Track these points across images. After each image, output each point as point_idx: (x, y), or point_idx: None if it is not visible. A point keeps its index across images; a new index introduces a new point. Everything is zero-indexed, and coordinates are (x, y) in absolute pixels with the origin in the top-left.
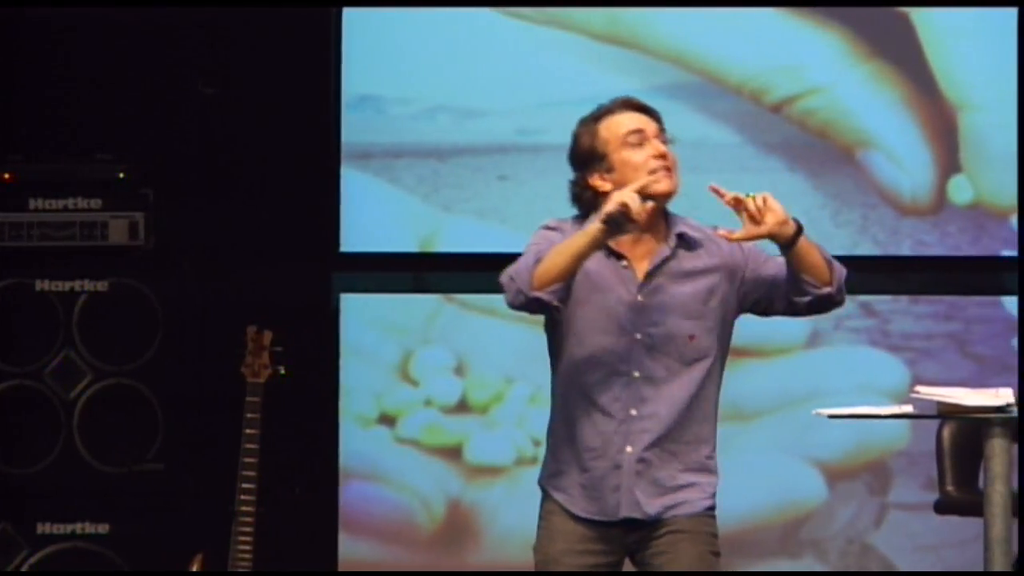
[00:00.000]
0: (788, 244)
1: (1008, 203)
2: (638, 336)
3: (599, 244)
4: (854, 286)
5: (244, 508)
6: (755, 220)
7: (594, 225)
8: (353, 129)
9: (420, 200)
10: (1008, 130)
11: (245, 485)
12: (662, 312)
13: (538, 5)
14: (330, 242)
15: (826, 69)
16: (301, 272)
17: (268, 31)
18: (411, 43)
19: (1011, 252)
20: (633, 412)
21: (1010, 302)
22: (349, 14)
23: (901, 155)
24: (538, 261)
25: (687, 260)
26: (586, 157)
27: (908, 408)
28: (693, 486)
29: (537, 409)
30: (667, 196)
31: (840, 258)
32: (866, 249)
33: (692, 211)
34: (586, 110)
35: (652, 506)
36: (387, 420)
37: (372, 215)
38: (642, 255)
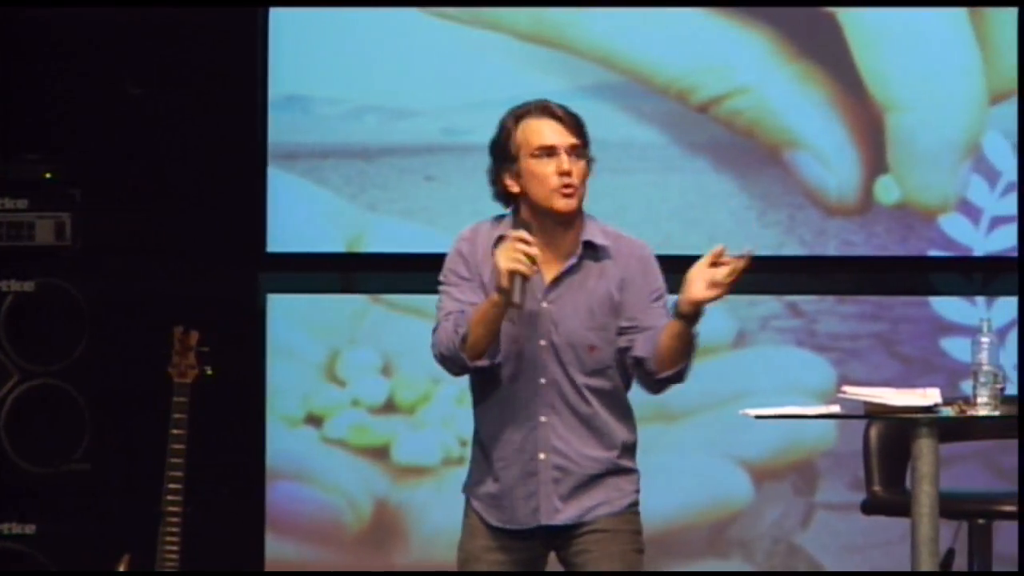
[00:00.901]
0: (688, 317)
1: (935, 203)
2: (542, 342)
3: (507, 306)
4: (781, 286)
5: (171, 508)
6: (715, 285)
7: (495, 297)
8: (280, 129)
9: (347, 200)
10: (934, 130)
11: (172, 485)
12: (564, 320)
13: (464, 5)
14: (257, 242)
15: (753, 69)
16: (228, 272)
17: (195, 31)
18: (338, 43)
19: (938, 252)
20: (543, 419)
21: (937, 302)
22: (276, 14)
23: (828, 155)
24: (463, 337)
25: (592, 269)
26: (501, 153)
27: (835, 408)
28: (611, 487)
29: (464, 410)
30: (565, 214)
31: (767, 258)
32: (793, 249)
33: (617, 212)
34: None
35: (569, 512)
36: (314, 420)
37: (299, 215)
38: (551, 260)
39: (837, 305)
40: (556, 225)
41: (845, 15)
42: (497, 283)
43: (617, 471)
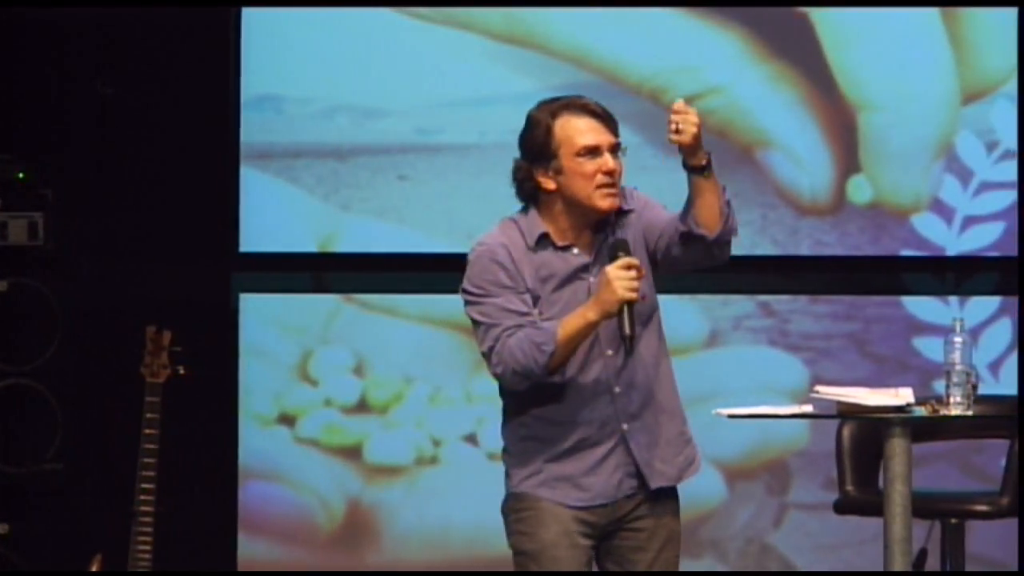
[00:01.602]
0: (696, 170)
1: (908, 203)
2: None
3: (593, 327)
4: (753, 286)
5: (143, 508)
6: (677, 131)
7: (593, 316)
8: (252, 129)
9: (320, 200)
10: (907, 130)
11: (144, 485)
12: None
13: (437, 5)
14: (230, 242)
15: (725, 69)
16: (201, 272)
17: (167, 31)
18: (310, 43)
19: (911, 252)
20: (618, 390)
21: (910, 302)
22: (248, 14)
23: (800, 155)
24: (549, 354)
25: (629, 226)
26: (537, 151)
27: (808, 408)
28: (690, 438)
29: (437, 409)
30: (609, 212)
31: (739, 258)
32: (765, 249)
33: None
34: (485, 110)
35: (670, 469)
36: (286, 420)
37: (272, 215)
38: (586, 245)
39: (810, 305)
40: (591, 221)
41: (817, 15)
42: (604, 309)
43: (685, 421)
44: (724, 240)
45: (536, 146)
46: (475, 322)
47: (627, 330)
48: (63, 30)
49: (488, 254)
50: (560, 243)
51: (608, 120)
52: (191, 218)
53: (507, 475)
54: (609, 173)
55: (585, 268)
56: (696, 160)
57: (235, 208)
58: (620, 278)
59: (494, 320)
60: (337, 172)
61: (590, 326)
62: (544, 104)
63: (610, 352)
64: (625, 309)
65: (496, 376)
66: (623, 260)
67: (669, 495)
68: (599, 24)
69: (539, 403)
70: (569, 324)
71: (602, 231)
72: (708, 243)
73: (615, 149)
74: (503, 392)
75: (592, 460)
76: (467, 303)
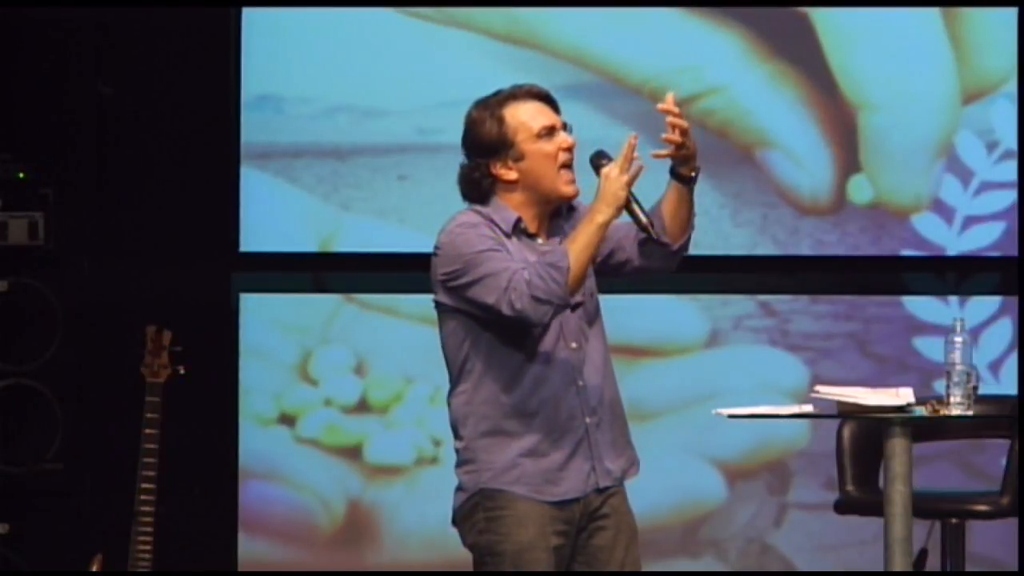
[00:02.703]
0: (685, 180)
1: (908, 203)
2: (569, 311)
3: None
4: (754, 286)
5: (144, 508)
6: (686, 136)
7: (605, 214)
8: (253, 129)
9: (320, 200)
10: (907, 130)
11: (145, 485)
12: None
13: (437, 5)
14: (230, 242)
15: (726, 69)
16: (201, 272)
17: (168, 31)
18: (311, 43)
19: (911, 252)
20: (581, 383)
21: (910, 302)
22: (248, 14)
23: (801, 155)
24: (566, 269)
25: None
26: (491, 145)
27: (808, 408)
28: (629, 442)
29: (437, 409)
30: (571, 199)
31: (739, 258)
32: (766, 249)
33: None
34: None
35: (616, 468)
36: (287, 420)
37: (272, 215)
38: (549, 234)
39: (810, 305)
40: (551, 212)
41: (818, 15)
42: (611, 204)
43: (626, 427)
44: (683, 252)
45: (489, 139)
46: (479, 280)
47: (643, 218)
48: (63, 30)
49: (472, 227)
50: (529, 231)
51: (551, 100)
52: (191, 218)
53: (467, 471)
54: (568, 149)
55: None
56: (688, 170)
57: (235, 208)
58: (616, 168)
59: (501, 267)
60: (337, 172)
61: (601, 227)
62: (482, 102)
63: (574, 345)
64: (634, 201)
65: (517, 312)
66: (615, 161)
67: (621, 491)
68: (599, 24)
69: (505, 395)
70: (578, 235)
71: (559, 226)
72: (669, 252)
73: (567, 127)
74: (456, 384)
75: (564, 454)
76: (460, 275)
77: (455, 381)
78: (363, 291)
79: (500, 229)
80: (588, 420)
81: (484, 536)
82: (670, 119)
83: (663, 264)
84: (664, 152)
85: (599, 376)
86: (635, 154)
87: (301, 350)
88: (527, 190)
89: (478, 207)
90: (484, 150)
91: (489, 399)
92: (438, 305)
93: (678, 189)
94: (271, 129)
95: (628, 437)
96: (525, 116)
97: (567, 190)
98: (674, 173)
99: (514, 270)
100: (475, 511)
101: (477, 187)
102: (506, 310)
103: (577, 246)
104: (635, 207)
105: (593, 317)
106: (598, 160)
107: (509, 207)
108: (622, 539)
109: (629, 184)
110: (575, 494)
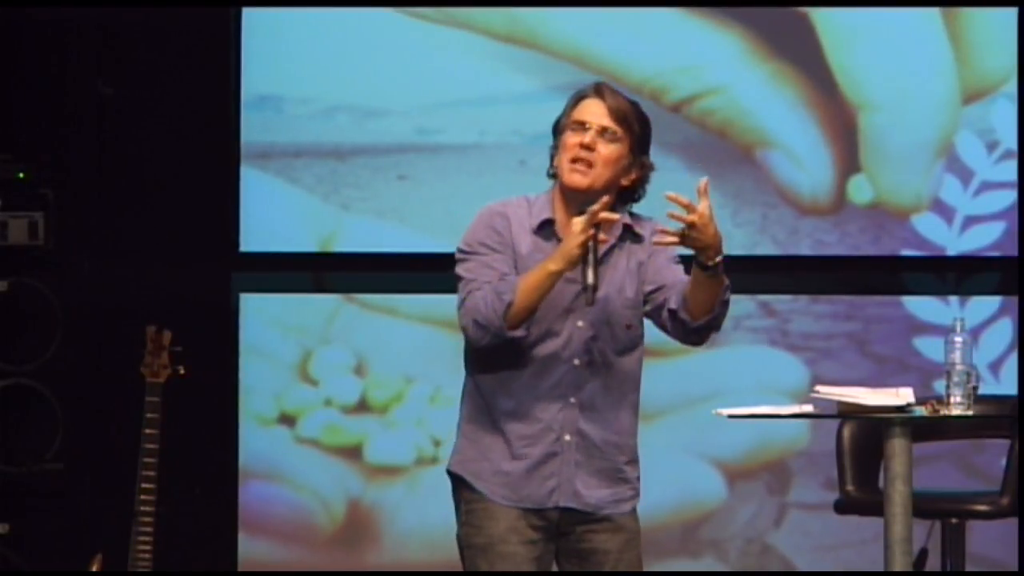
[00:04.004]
0: (705, 268)
1: (908, 203)
2: (580, 323)
3: (556, 279)
4: (754, 285)
5: (144, 508)
6: (695, 228)
7: (553, 267)
8: (253, 129)
9: (320, 200)
10: (907, 130)
11: (145, 485)
12: (603, 300)
13: (437, 5)
14: (230, 242)
15: (725, 69)
16: (201, 272)
17: (168, 31)
18: (310, 43)
19: (911, 252)
20: (572, 400)
21: (910, 302)
22: (248, 14)
23: (801, 155)
24: (507, 304)
25: (627, 251)
26: (554, 130)
27: (808, 408)
28: (624, 480)
29: (437, 409)
30: (577, 189)
31: (739, 258)
32: (765, 249)
33: None
34: (485, 109)
35: (587, 497)
36: (287, 420)
37: (272, 215)
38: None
39: (810, 304)
40: (575, 204)
41: (817, 15)
42: (564, 257)
43: (630, 463)
44: (704, 331)
45: (555, 126)
46: (458, 278)
47: (589, 279)
48: (63, 30)
49: (487, 217)
50: (560, 235)
51: (615, 109)
52: (191, 218)
53: (453, 451)
54: (585, 147)
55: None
56: (705, 258)
57: (235, 208)
58: (580, 222)
59: (473, 275)
60: (337, 172)
61: (550, 275)
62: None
63: (577, 362)
64: (590, 258)
65: (462, 329)
66: (583, 216)
67: (612, 528)
68: (599, 24)
69: (494, 389)
70: (530, 275)
71: (610, 236)
72: (687, 328)
73: (605, 132)
74: (471, 368)
75: (529, 463)
76: (457, 260)
77: (464, 363)
78: (363, 291)
79: (530, 222)
80: (568, 438)
81: (463, 528)
82: (677, 211)
83: (680, 336)
84: (667, 239)
85: (608, 403)
86: (607, 214)
87: (301, 350)
88: (558, 182)
89: (530, 196)
90: (554, 132)
91: (481, 389)
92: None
93: (697, 274)
94: (271, 129)
95: (627, 475)
96: (577, 109)
97: (568, 177)
98: (695, 258)
99: (479, 284)
100: (458, 502)
101: (550, 169)
102: (459, 319)
103: (526, 284)
104: (587, 267)
105: (624, 345)
106: (580, 209)
107: (553, 201)
108: (615, 543)
109: (583, 244)
110: (532, 504)
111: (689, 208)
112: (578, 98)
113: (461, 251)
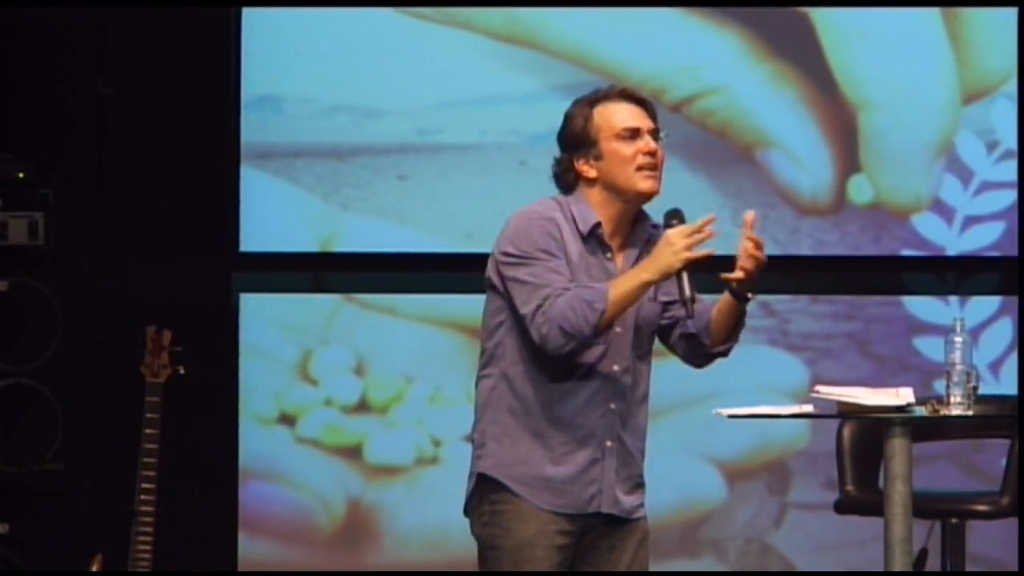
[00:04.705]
0: (741, 299)
1: (908, 203)
2: (618, 328)
3: (646, 288)
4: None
5: (144, 508)
6: (754, 261)
7: (652, 274)
8: (253, 129)
9: (320, 200)
10: (907, 129)
11: (145, 485)
12: (641, 305)
13: (437, 5)
14: (230, 242)
15: (725, 69)
16: (201, 272)
17: (168, 31)
18: (311, 43)
19: (911, 252)
20: (613, 406)
21: (910, 302)
22: (248, 14)
23: (801, 155)
24: (600, 312)
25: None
26: (576, 140)
27: (808, 408)
28: (643, 484)
29: (437, 409)
30: (649, 196)
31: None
32: (766, 249)
33: None
34: (485, 110)
35: (625, 503)
36: (287, 420)
37: (272, 215)
38: (621, 247)
39: (810, 305)
40: (628, 210)
41: (817, 15)
42: (661, 270)
43: (643, 469)
44: (717, 356)
45: (575, 135)
46: (520, 282)
47: (687, 292)
48: (63, 30)
49: (541, 221)
50: (608, 240)
51: (646, 105)
52: (191, 218)
53: (476, 456)
54: (651, 154)
55: (612, 273)
56: (744, 290)
57: (235, 208)
58: (682, 236)
59: (543, 281)
60: (337, 172)
61: (644, 286)
62: (581, 98)
63: (616, 368)
64: (684, 273)
65: (541, 337)
66: (684, 226)
67: (638, 534)
68: (599, 24)
69: (532, 393)
70: (622, 283)
71: (639, 240)
72: (703, 352)
73: (655, 133)
74: (485, 365)
75: (574, 469)
76: (511, 264)
77: (484, 362)
78: (363, 291)
79: (577, 227)
80: (609, 444)
81: (487, 529)
82: (748, 247)
83: (688, 357)
84: (733, 276)
85: (638, 409)
86: (709, 229)
87: (301, 350)
88: (606, 189)
89: (561, 197)
90: (571, 145)
91: (515, 392)
92: (488, 279)
93: (730, 303)
94: (271, 129)
95: (643, 480)
96: (612, 116)
97: (643, 185)
98: (731, 288)
99: (555, 290)
100: (481, 502)
101: (561, 180)
102: (531, 328)
103: (617, 293)
104: (684, 280)
105: (647, 351)
106: (670, 219)
107: (590, 203)
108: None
109: (687, 259)
110: (572, 510)
111: (759, 245)
112: (596, 103)
113: (515, 255)
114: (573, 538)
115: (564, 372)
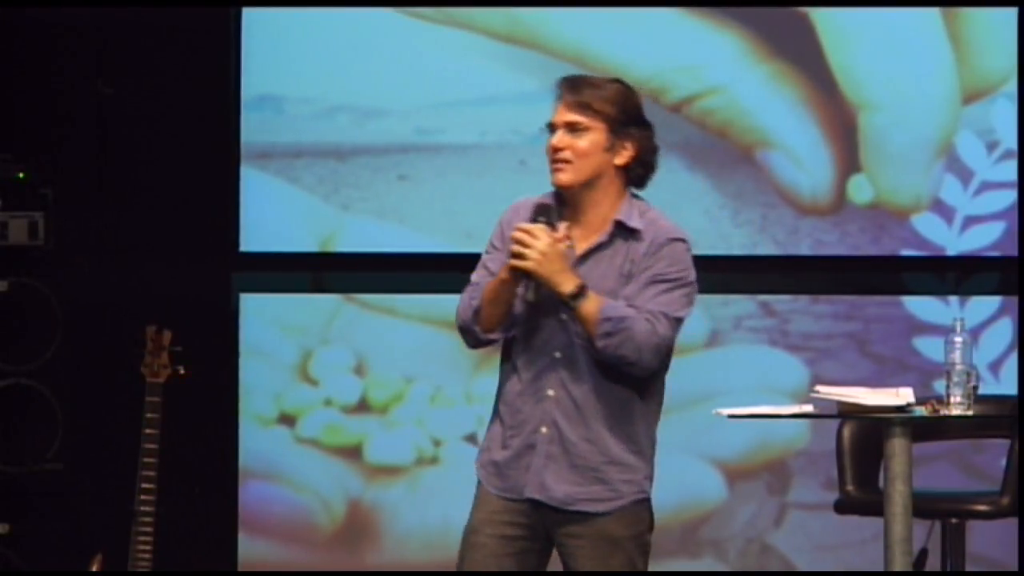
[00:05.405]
0: (561, 298)
1: (908, 203)
2: (563, 316)
3: (508, 287)
4: (754, 286)
5: (144, 508)
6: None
7: (505, 274)
8: (253, 129)
9: (320, 200)
10: (907, 129)
11: (145, 485)
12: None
13: (437, 5)
14: (230, 242)
15: (725, 69)
16: (201, 272)
17: (168, 31)
18: (311, 43)
19: (911, 252)
20: (551, 392)
21: (910, 302)
22: (248, 14)
23: (801, 155)
24: (475, 310)
25: (620, 248)
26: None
27: (808, 408)
28: (605, 480)
29: (437, 409)
30: (562, 187)
31: (739, 258)
32: (766, 249)
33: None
34: (486, 110)
35: (556, 492)
36: (287, 420)
37: (272, 215)
38: (582, 236)
39: (810, 305)
40: (571, 200)
41: (817, 15)
42: (509, 268)
43: (612, 464)
44: (605, 357)
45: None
46: None
47: (530, 295)
48: (63, 30)
49: (505, 214)
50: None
51: (574, 102)
52: (191, 218)
53: None
54: (554, 148)
55: (566, 260)
56: (555, 288)
57: (235, 208)
58: (516, 241)
59: (473, 277)
60: (337, 172)
61: (502, 284)
62: None
63: (558, 355)
64: (532, 276)
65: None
66: (527, 225)
67: (610, 532)
68: (599, 24)
69: (501, 379)
70: (491, 282)
71: (602, 231)
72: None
73: (571, 127)
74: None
75: (511, 452)
76: None
77: None
78: (363, 291)
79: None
80: (544, 430)
81: None
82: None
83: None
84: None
85: (586, 396)
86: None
87: (301, 350)
88: None
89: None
90: None
91: (500, 375)
92: None
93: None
94: (271, 129)
95: (605, 476)
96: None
97: (553, 178)
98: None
99: (472, 284)
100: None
101: None
102: None
103: (486, 291)
104: (530, 280)
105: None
106: (537, 216)
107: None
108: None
109: (514, 268)
110: (514, 495)
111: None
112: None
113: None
114: (525, 530)
115: (514, 360)
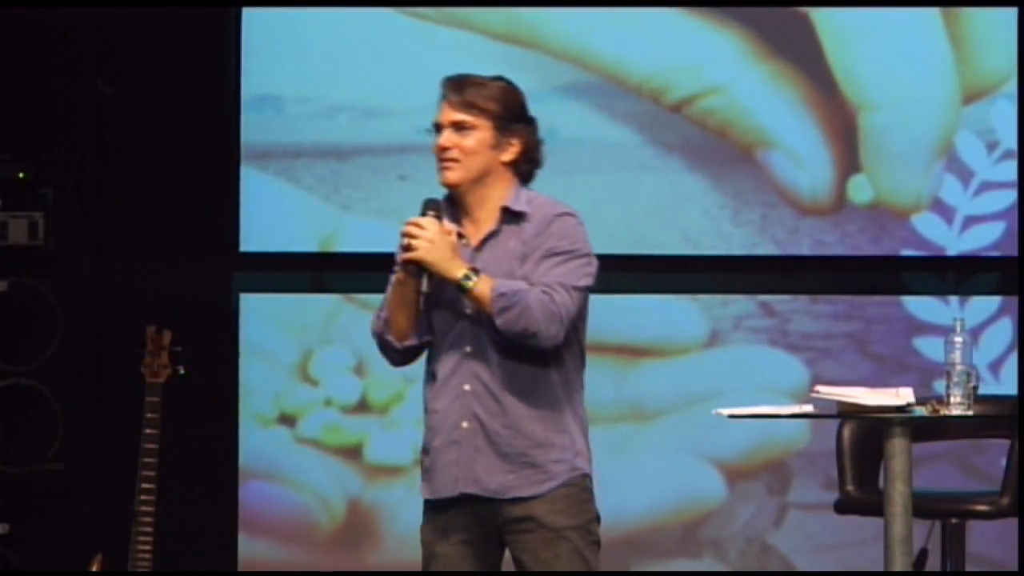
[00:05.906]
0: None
1: (908, 203)
2: (467, 310)
3: (407, 286)
4: (754, 286)
5: (144, 508)
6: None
7: (399, 275)
8: (253, 129)
9: (320, 200)
10: (908, 129)
11: (145, 485)
12: None
13: (438, 5)
14: (230, 242)
15: (725, 69)
16: (201, 272)
17: (168, 31)
18: (311, 43)
19: (911, 252)
20: (466, 387)
21: (910, 302)
22: (248, 14)
23: (801, 155)
24: (385, 321)
25: (511, 233)
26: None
27: (808, 408)
28: (536, 463)
29: None
30: (450, 187)
31: (739, 258)
32: (766, 249)
33: (590, 211)
34: None
35: (494, 481)
36: (287, 420)
37: (272, 215)
38: (474, 232)
39: (810, 305)
40: (468, 198)
41: (818, 15)
42: (402, 256)
43: (539, 447)
44: (507, 334)
45: None
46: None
47: (423, 287)
48: (63, 30)
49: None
50: (461, 226)
51: (456, 101)
52: (191, 218)
53: None
54: (441, 149)
55: (464, 257)
56: (447, 275)
57: (235, 208)
58: (405, 234)
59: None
60: (337, 172)
61: (400, 283)
62: None
63: (468, 349)
64: (413, 269)
65: None
66: (415, 218)
67: (554, 523)
68: (599, 24)
69: (423, 388)
70: (392, 287)
71: (492, 221)
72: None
73: (456, 126)
74: None
75: (435, 454)
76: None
77: None
78: (363, 291)
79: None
80: (466, 424)
81: None
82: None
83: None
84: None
85: (505, 389)
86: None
87: (301, 350)
88: None
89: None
90: None
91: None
92: None
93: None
94: (271, 129)
95: (535, 460)
96: None
97: (439, 178)
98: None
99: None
100: None
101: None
102: None
103: (388, 299)
104: (423, 273)
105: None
106: (427, 209)
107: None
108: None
109: (405, 260)
110: (446, 493)
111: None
112: None
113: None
114: (475, 531)
115: (434, 364)
